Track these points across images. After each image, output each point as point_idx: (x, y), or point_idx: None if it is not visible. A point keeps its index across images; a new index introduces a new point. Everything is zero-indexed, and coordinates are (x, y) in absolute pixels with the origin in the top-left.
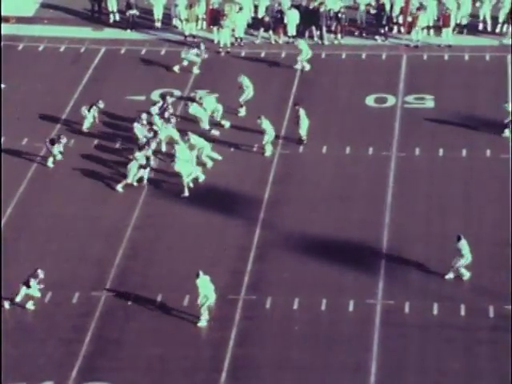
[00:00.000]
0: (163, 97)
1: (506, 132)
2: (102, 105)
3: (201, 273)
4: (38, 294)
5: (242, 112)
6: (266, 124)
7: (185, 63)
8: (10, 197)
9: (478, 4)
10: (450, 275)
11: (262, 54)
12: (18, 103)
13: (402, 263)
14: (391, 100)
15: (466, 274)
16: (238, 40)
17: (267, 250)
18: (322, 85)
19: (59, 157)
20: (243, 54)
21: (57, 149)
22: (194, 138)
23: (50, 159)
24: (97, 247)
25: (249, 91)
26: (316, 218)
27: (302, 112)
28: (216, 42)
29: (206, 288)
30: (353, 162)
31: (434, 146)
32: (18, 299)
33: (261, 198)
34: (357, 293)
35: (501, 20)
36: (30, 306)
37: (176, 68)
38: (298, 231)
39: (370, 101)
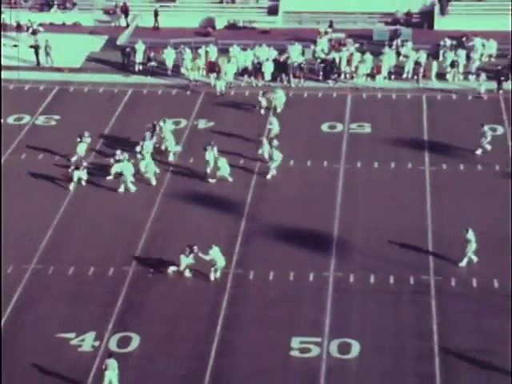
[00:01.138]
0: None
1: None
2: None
3: (213, 245)
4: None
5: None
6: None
7: None
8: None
9: (402, 58)
10: (463, 263)
11: (246, 93)
12: (69, 128)
13: (348, 246)
14: (339, 127)
15: (475, 259)
16: (229, 83)
17: (250, 236)
18: (290, 116)
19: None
20: (232, 93)
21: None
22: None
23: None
24: (125, 235)
25: (275, 127)
26: (286, 214)
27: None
28: (212, 85)
29: (217, 255)
30: (312, 172)
31: (371, 161)
32: (181, 268)
33: (245, 198)
34: (315, 267)
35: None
36: (187, 273)
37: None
38: (273, 223)
39: (324, 127)
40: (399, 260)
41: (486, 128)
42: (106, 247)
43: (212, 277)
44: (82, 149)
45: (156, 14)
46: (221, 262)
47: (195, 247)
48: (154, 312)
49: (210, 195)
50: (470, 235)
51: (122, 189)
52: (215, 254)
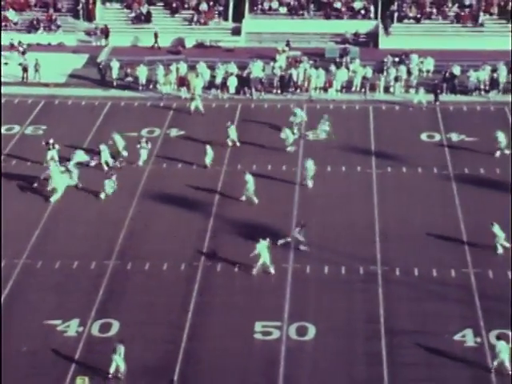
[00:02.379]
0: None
1: None
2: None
3: (261, 239)
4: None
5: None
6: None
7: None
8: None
9: (350, 73)
10: (500, 250)
11: (213, 105)
12: (55, 137)
13: (305, 240)
14: (296, 135)
15: (507, 245)
16: (197, 96)
17: (218, 232)
18: (252, 125)
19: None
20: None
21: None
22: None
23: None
24: (106, 232)
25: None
26: (249, 211)
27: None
28: (183, 97)
29: (263, 250)
30: (272, 175)
31: (325, 164)
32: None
33: (213, 199)
34: (276, 259)
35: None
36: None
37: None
38: (238, 220)
39: (283, 135)
40: (350, 253)
41: (498, 133)
42: (88, 243)
43: (255, 271)
44: (50, 156)
45: (156, 36)
46: (265, 257)
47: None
48: (132, 301)
49: (180, 197)
50: (496, 229)
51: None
52: (261, 249)
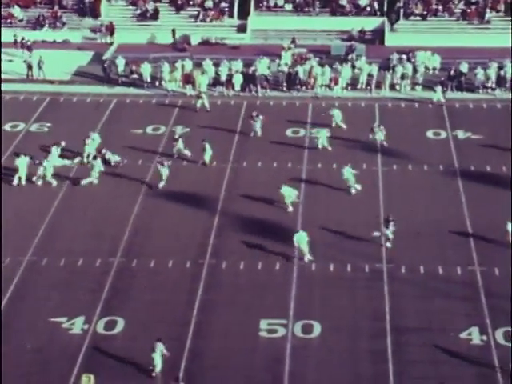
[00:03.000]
0: None
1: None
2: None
3: (300, 230)
4: None
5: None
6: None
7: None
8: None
9: (356, 71)
10: None
11: (218, 102)
12: (60, 135)
13: (310, 238)
14: (302, 132)
15: None
16: (203, 93)
17: (223, 230)
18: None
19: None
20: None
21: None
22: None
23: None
24: (111, 229)
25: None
26: (254, 210)
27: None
28: (188, 95)
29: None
30: (277, 172)
31: (330, 162)
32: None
33: (219, 196)
34: (281, 257)
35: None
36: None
37: None
38: (243, 218)
39: (288, 132)
40: (355, 250)
41: None
42: (93, 240)
43: (306, 259)
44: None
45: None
46: (304, 246)
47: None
48: (137, 298)
49: (184, 194)
50: (510, 227)
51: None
52: (299, 240)
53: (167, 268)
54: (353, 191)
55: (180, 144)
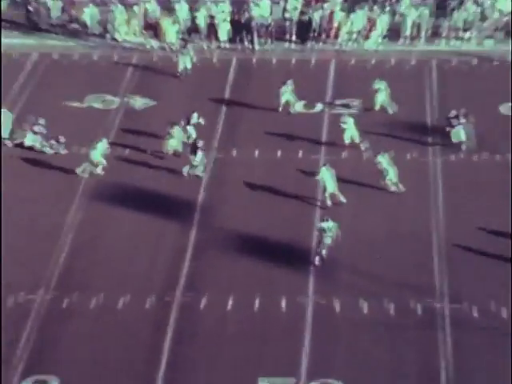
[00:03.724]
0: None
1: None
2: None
3: (324, 167)
4: None
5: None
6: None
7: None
8: None
9: (399, 17)
10: None
11: (194, 59)
12: None
13: (332, 261)
14: (319, 106)
15: None
16: (171, 46)
17: (203, 250)
18: (253, 89)
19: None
20: (175, 59)
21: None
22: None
23: None
24: (35, 248)
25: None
26: (247, 219)
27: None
28: (148, 46)
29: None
30: (283, 164)
31: (360, 150)
32: None
33: (196, 200)
34: (289, 291)
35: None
36: None
37: None
38: (231, 232)
39: (298, 106)
40: (401, 280)
41: None
42: (8, 266)
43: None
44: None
45: None
46: (330, 186)
47: None
48: (74, 351)
49: (145, 197)
50: None
51: None
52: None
53: (117, 308)
54: (392, 188)
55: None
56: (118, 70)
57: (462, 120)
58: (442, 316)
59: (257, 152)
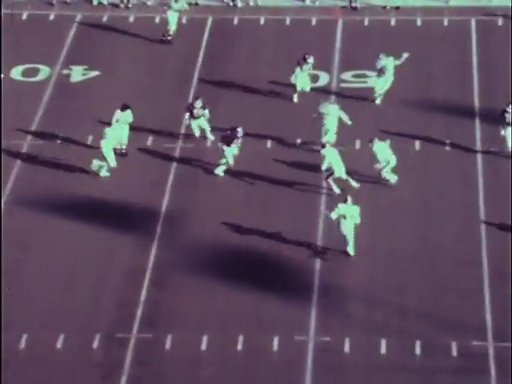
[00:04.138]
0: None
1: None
2: None
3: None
4: None
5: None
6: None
7: None
8: None
9: None
10: None
11: (157, 20)
12: None
13: (339, 287)
14: (324, 78)
15: None
16: (125, 1)
17: (166, 273)
18: (235, 59)
19: None
20: (131, 20)
21: None
22: None
23: None
24: None
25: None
26: (229, 231)
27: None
28: (96, 2)
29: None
30: (276, 157)
31: (380, 138)
32: None
33: (158, 206)
34: (283, 327)
35: None
36: None
37: None
38: (206, 247)
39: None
40: (431, 311)
41: None
42: None
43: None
44: None
45: None
46: (338, 168)
47: None
48: None
49: (92, 204)
50: None
51: None
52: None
53: (55, 349)
54: (392, 181)
55: (203, 116)
56: (55, 32)
57: None
58: (484, 357)
59: (254, 144)
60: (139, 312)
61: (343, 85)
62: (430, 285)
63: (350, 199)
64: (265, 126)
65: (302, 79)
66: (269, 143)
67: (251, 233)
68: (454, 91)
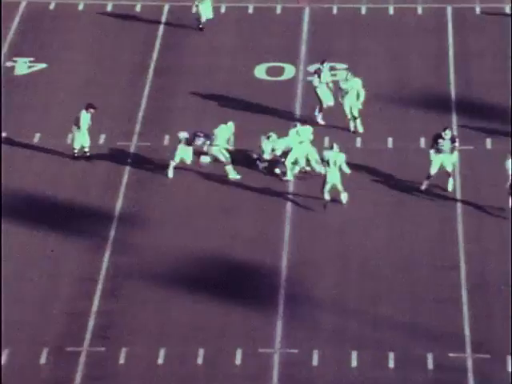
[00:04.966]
0: None
1: None
2: None
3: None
4: None
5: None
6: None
7: None
8: None
9: None
10: None
11: (108, 7)
12: None
13: (307, 296)
14: (289, 71)
15: None
16: None
17: (120, 281)
18: (193, 50)
19: None
20: (81, 7)
21: None
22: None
23: None
24: None
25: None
26: (190, 236)
27: None
28: None
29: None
30: (241, 158)
31: (352, 136)
32: None
33: (111, 208)
34: (246, 339)
35: None
36: None
37: None
38: (164, 254)
39: (260, 72)
40: (404, 321)
41: None
42: None
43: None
44: None
45: None
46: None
47: None
48: None
49: (39, 205)
50: None
51: None
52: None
53: None
54: (343, 199)
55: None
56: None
57: None
58: (462, 369)
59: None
60: (91, 323)
61: (310, 78)
62: (405, 292)
63: (335, 146)
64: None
65: (325, 93)
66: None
67: (212, 238)
68: (430, 83)
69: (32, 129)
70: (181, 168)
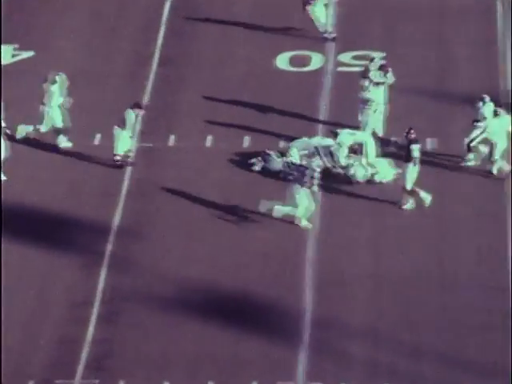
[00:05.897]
0: None
1: None
2: None
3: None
4: None
5: None
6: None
7: None
8: None
9: None
10: None
11: None
12: None
13: (334, 323)
14: (316, 60)
15: None
16: None
17: (118, 304)
18: (203, 37)
19: None
20: None
21: None
22: None
23: None
24: None
25: None
26: (197, 252)
27: None
28: None
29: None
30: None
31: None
32: None
33: (108, 220)
34: (264, 371)
35: None
36: None
37: None
38: (168, 272)
39: (282, 62)
40: (447, 352)
41: None
42: None
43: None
44: None
45: None
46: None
47: None
48: None
49: (29, 218)
50: None
51: None
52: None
53: None
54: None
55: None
56: None
57: None
58: None
59: (209, 139)
60: (84, 353)
61: (341, 68)
62: (447, 318)
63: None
64: (238, 120)
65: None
66: (246, 141)
67: (224, 254)
68: (478, 78)
69: (17, 122)
70: (188, 177)
